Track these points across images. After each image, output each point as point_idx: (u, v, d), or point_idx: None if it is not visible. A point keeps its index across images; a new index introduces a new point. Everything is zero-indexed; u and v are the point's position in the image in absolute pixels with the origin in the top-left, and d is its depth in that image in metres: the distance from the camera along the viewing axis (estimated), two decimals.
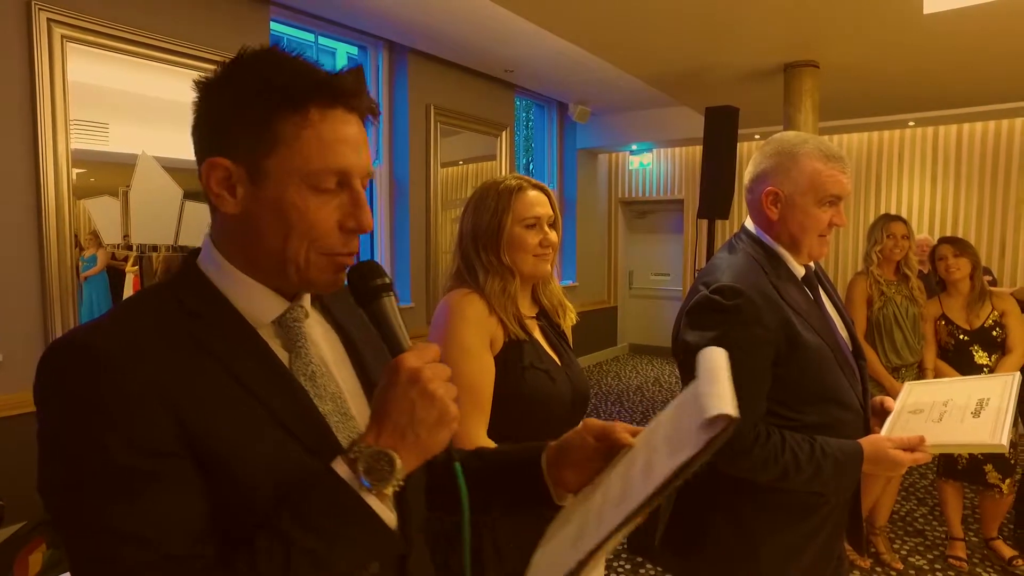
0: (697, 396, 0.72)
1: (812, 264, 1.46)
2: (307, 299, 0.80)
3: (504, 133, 5.87)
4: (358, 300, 0.77)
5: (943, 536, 3.29)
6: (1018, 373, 1.46)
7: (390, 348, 0.75)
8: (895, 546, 3.26)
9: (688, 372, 1.38)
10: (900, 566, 3.09)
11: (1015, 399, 1.33)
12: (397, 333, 0.75)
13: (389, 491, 0.67)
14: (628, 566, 3.04)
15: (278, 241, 0.71)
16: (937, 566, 3.10)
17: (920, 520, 3.56)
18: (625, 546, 2.93)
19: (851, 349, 1.46)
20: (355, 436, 0.72)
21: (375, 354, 0.85)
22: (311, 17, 4.27)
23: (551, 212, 1.45)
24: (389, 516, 0.68)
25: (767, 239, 1.42)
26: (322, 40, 4.59)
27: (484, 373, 1.34)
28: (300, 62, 0.72)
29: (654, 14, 3.31)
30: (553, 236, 1.44)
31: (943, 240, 3.19)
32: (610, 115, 7.05)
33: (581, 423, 0.85)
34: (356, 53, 4.89)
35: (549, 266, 1.45)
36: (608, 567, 2.99)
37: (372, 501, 0.66)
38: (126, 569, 0.60)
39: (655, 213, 8.06)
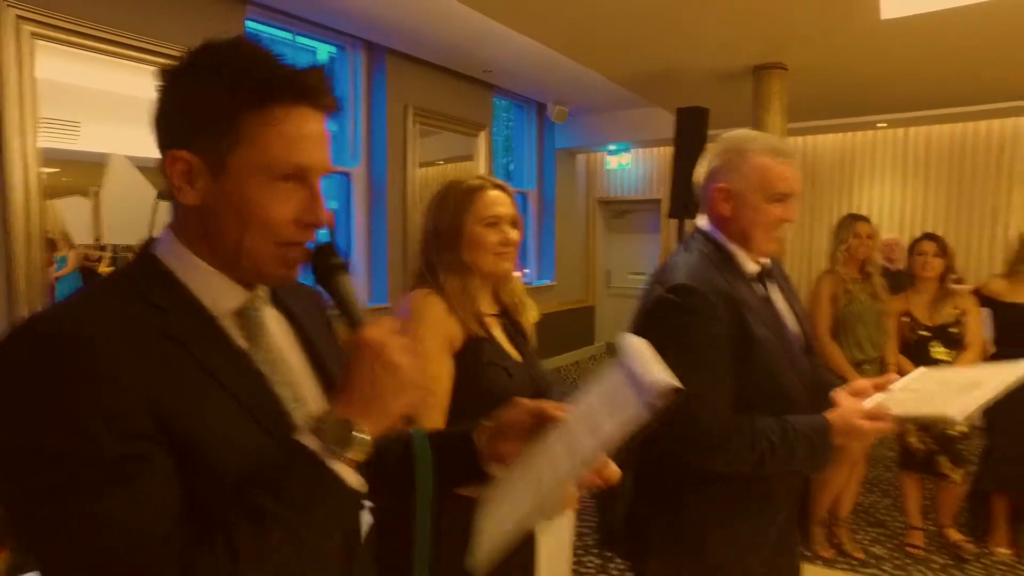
0: (633, 373, 0.79)
1: (767, 261, 1.48)
2: (265, 289, 0.83)
3: (482, 133, 5.91)
4: (318, 278, 0.81)
5: (904, 526, 3.39)
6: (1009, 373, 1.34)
7: (350, 322, 0.79)
8: (857, 536, 3.35)
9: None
10: (861, 555, 3.18)
11: (1007, 387, 1.27)
12: (356, 308, 0.79)
13: (357, 457, 0.71)
14: (599, 561, 3.10)
15: (236, 233, 0.74)
16: (896, 555, 3.20)
17: (882, 511, 3.67)
18: (592, 541, 2.98)
19: (804, 345, 1.48)
20: (309, 421, 0.75)
21: (326, 342, 0.89)
22: (288, 16, 4.27)
23: (512, 211, 1.48)
24: (356, 480, 0.72)
25: (719, 236, 1.43)
26: (300, 39, 4.59)
27: (440, 375, 1.38)
28: (266, 57, 0.74)
29: (623, 16, 3.37)
30: (514, 235, 1.47)
31: (927, 236, 3.26)
32: (588, 115, 7.12)
33: (511, 401, 0.90)
34: (335, 52, 4.89)
35: (510, 264, 1.48)
36: (577, 562, 3.04)
37: (339, 468, 0.70)
38: (119, 557, 0.60)
39: (633, 213, 8.13)
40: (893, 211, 6.44)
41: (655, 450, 1.41)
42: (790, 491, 1.48)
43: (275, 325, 0.84)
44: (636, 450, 1.47)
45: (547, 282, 7.32)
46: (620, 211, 8.22)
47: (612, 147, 7.61)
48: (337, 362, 0.87)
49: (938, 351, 3.13)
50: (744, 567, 1.43)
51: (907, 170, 6.40)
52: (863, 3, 3.14)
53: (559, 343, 7.35)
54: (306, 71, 0.74)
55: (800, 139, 6.64)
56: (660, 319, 1.36)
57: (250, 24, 4.03)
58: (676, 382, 0.75)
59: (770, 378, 1.36)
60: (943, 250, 3.19)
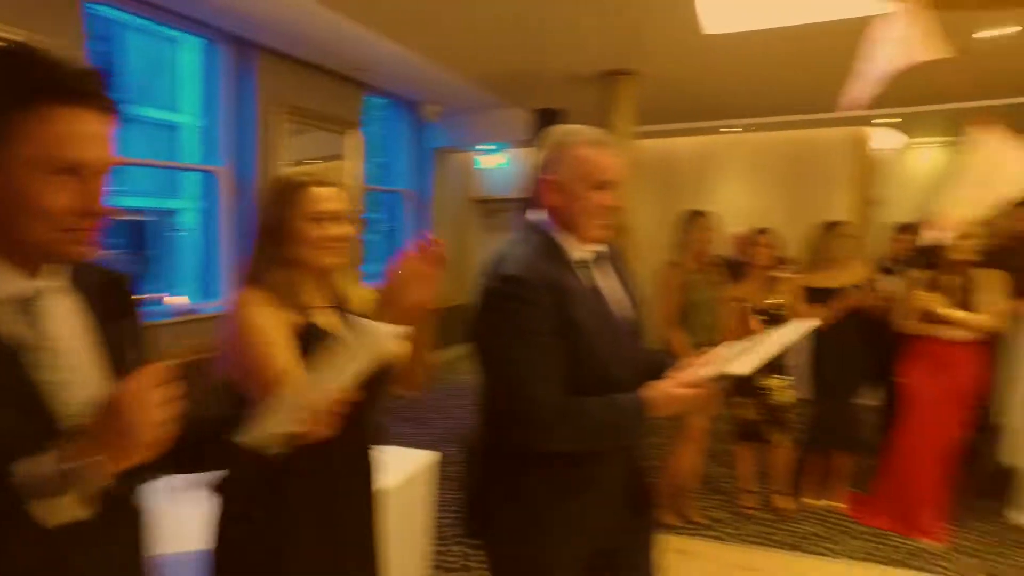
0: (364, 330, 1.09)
1: (602, 248, 1.55)
2: (54, 275, 0.86)
3: (353, 132, 5.87)
4: (112, 310, 0.89)
5: (740, 491, 3.75)
6: (806, 322, 1.65)
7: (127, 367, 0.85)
8: (701, 504, 3.67)
9: (483, 358, 1.46)
10: (705, 520, 3.51)
11: (785, 343, 1.51)
12: (130, 355, 0.89)
13: (81, 496, 0.76)
14: (466, 550, 3.18)
15: (14, 222, 0.79)
16: (735, 518, 3.57)
17: (723, 480, 4.01)
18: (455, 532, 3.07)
19: (635, 330, 1.58)
20: (91, 405, 0.81)
21: (124, 326, 0.93)
22: (142, 4, 4.05)
23: (339, 207, 1.51)
24: (65, 512, 0.76)
25: (547, 226, 1.50)
26: (168, 31, 4.36)
27: (271, 330, 1.40)
28: (41, 60, 0.79)
29: (475, 17, 3.47)
30: (339, 230, 1.50)
31: (759, 230, 3.65)
32: (462, 115, 7.21)
33: None
34: (203, 46, 4.70)
35: (335, 259, 1.51)
36: (443, 552, 3.13)
37: (52, 503, 0.75)
38: None
39: (508, 212, 8.33)
40: (741, 208, 7.07)
41: (498, 435, 1.48)
42: (622, 469, 1.56)
43: (63, 311, 0.87)
44: (484, 436, 1.54)
45: None
46: (495, 210, 8.40)
47: (486, 146, 7.77)
48: (134, 346, 0.93)
49: (759, 329, 3.49)
50: (577, 547, 1.49)
51: (753, 171, 7.10)
52: (689, 20, 3.45)
53: (440, 340, 7.38)
54: (80, 73, 0.80)
55: (660, 141, 7.14)
56: (491, 308, 1.44)
57: (95, 8, 3.78)
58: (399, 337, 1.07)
59: (592, 362, 1.43)
60: (771, 242, 3.58)
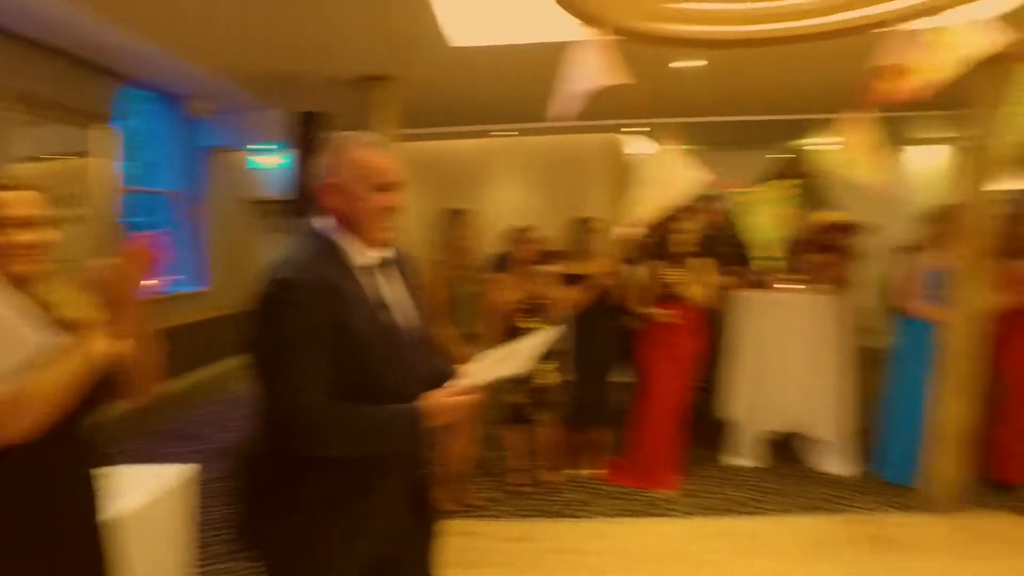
0: None
1: (388, 253, 1.54)
2: None
3: (102, 126, 5.31)
4: None
5: (513, 471, 4.04)
6: (552, 329, 1.84)
7: None
8: (477, 487, 3.89)
9: (255, 364, 1.41)
10: (480, 502, 3.75)
11: (539, 347, 1.64)
12: None
13: None
14: (232, 566, 3.08)
15: None
16: (510, 496, 3.85)
17: (496, 463, 4.25)
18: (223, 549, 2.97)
19: (421, 337, 1.59)
20: None
21: None
22: None
23: (26, 213, 1.41)
24: None
25: (330, 231, 1.49)
26: None
27: None
28: None
29: (219, 12, 3.36)
30: (31, 236, 1.41)
31: (522, 227, 3.95)
32: (236, 113, 6.86)
33: None
34: None
35: (30, 266, 1.42)
36: (206, 572, 3.02)
37: None
38: None
39: (285, 214, 8.00)
40: (516, 207, 7.58)
41: (267, 444, 1.46)
42: (404, 477, 1.57)
43: None
44: (258, 445, 1.50)
45: (200, 288, 6.88)
46: (272, 212, 8.02)
47: (264, 146, 7.45)
48: None
49: (527, 321, 3.81)
50: (356, 554, 1.49)
51: (526, 173, 7.69)
52: (434, 32, 3.65)
53: (216, 351, 6.97)
54: None
55: (440, 144, 7.41)
56: (262, 314, 1.41)
57: None
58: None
59: (371, 370, 1.44)
60: (537, 238, 3.90)
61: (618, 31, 2.10)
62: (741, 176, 3.40)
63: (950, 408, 3.63)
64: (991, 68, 2.55)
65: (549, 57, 2.49)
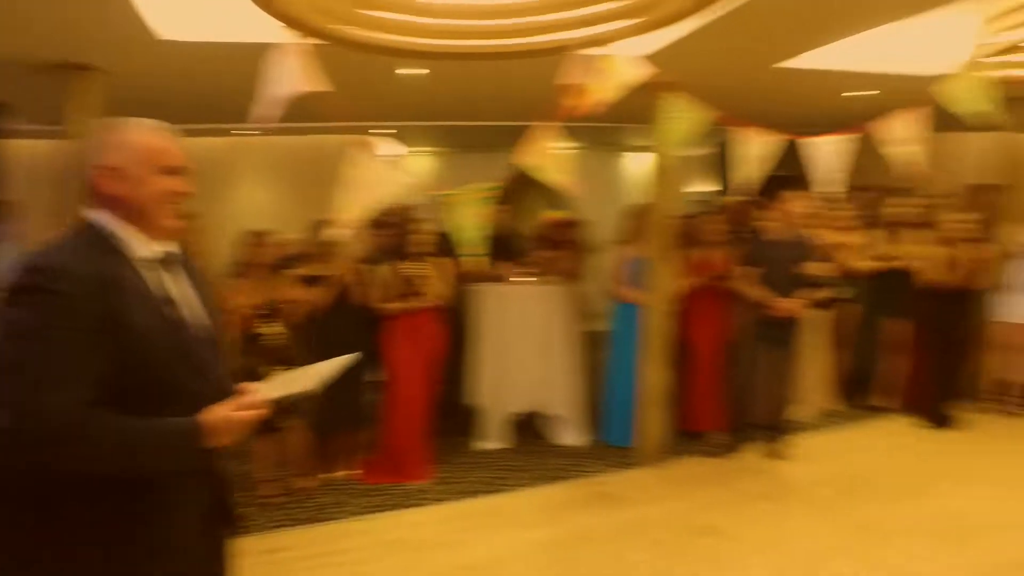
0: None
1: (173, 248, 1.43)
2: None
3: None
4: None
5: (262, 483, 3.87)
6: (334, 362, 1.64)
7: None
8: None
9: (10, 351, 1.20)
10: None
11: (335, 370, 1.53)
12: None
13: None
14: None
15: None
16: (261, 510, 3.67)
17: (245, 478, 3.97)
18: None
19: (210, 341, 1.46)
20: None
21: None
22: None
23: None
24: None
25: (106, 222, 1.34)
26: None
27: None
28: None
29: None
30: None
31: (260, 232, 3.82)
32: None
33: None
34: None
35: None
36: None
37: None
38: None
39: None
40: (262, 209, 7.25)
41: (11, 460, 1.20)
42: (193, 497, 1.41)
43: None
44: None
45: None
46: None
47: None
48: None
49: (260, 327, 3.71)
50: None
51: (274, 173, 7.37)
52: (137, 23, 3.40)
53: None
54: None
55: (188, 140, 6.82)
56: (14, 303, 1.22)
57: None
58: None
59: (158, 369, 1.30)
60: (277, 242, 3.82)
61: (315, 34, 2.14)
62: (489, 177, 3.65)
63: (652, 375, 4.30)
64: (645, 93, 3.10)
65: (258, 57, 2.45)
